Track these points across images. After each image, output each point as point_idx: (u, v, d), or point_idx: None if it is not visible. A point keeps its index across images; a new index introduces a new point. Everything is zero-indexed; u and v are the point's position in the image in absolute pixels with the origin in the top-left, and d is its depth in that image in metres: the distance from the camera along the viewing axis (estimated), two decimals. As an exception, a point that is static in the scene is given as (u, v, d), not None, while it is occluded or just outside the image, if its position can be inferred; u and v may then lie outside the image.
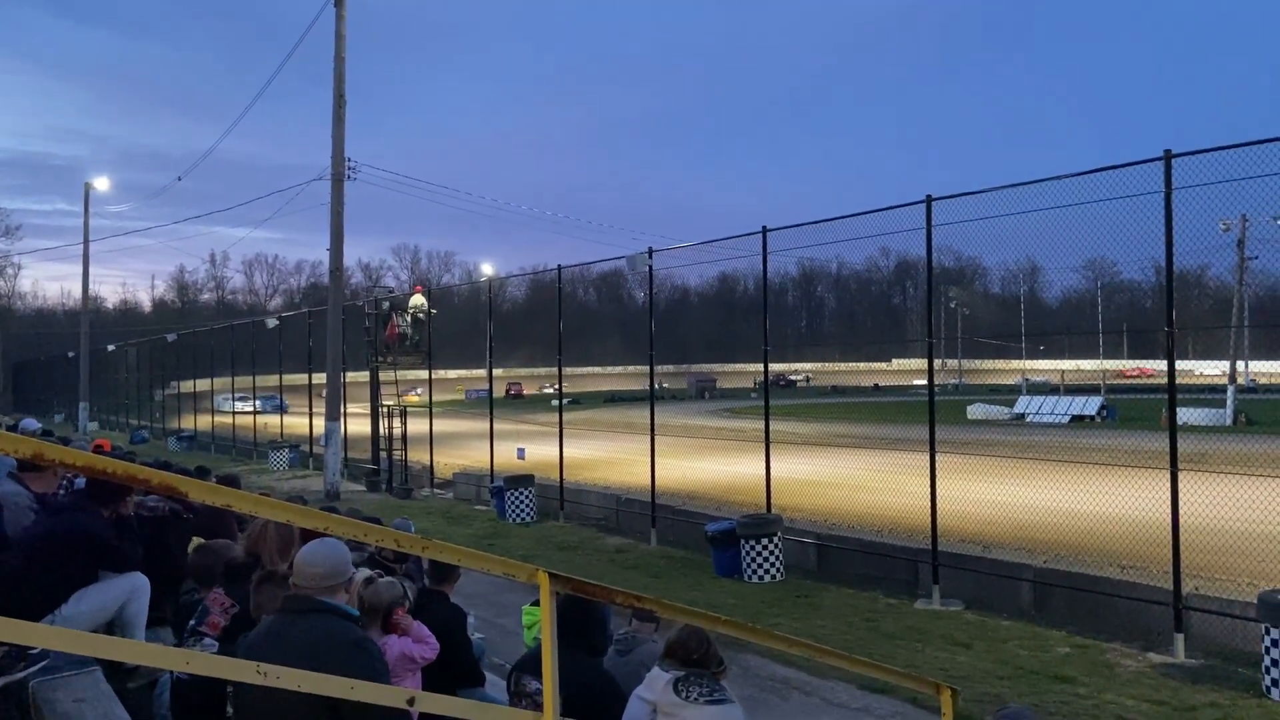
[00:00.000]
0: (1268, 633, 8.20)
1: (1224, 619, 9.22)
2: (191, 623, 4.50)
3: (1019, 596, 11.06)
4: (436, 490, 23.33)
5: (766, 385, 17.26)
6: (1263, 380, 57.66)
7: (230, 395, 39.88)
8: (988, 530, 13.68)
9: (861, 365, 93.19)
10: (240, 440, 35.73)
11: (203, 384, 42.20)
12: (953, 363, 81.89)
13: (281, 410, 34.92)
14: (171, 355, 46.08)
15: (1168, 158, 9.65)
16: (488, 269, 47.98)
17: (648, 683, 3.64)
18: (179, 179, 40.21)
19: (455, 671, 5.06)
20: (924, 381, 14.54)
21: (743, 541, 12.98)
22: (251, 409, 36.25)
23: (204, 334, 46.18)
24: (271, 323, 35.97)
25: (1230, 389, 40.26)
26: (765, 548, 12.89)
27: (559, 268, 21.21)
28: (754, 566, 12.83)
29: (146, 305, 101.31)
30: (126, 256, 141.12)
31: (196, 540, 5.71)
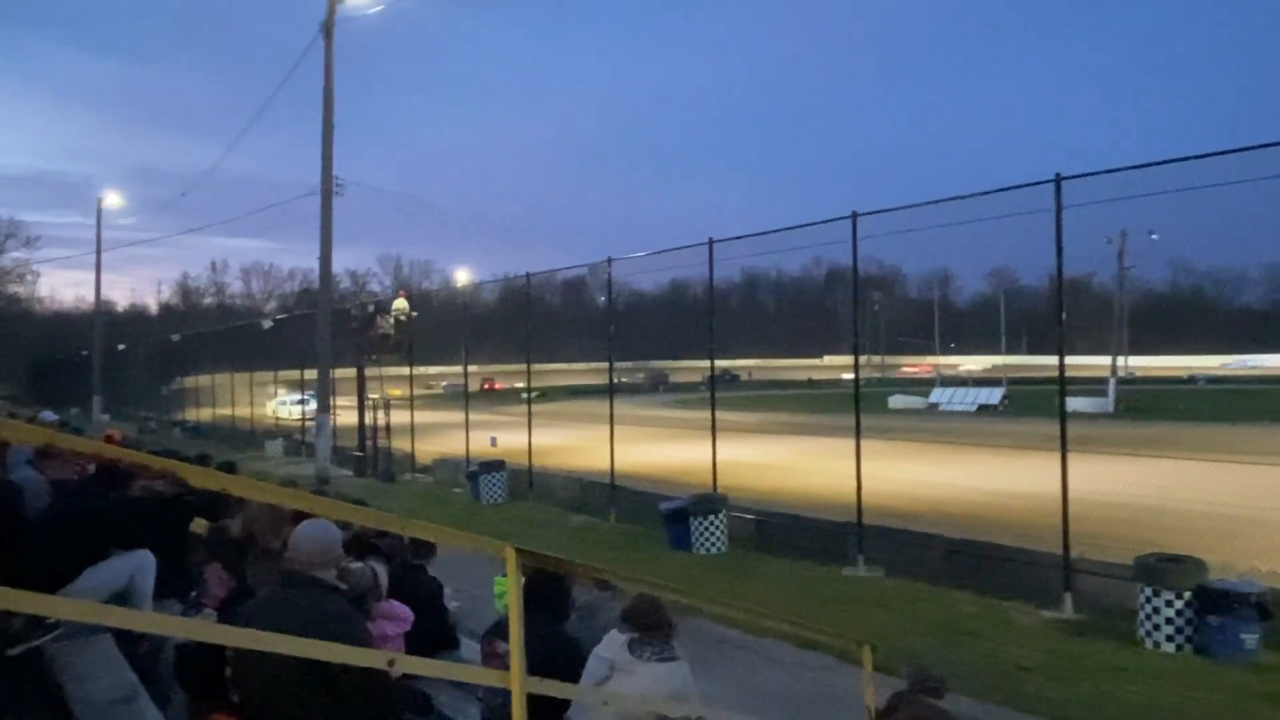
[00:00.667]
0: (1142, 591, 8.41)
1: (1106, 579, 9.35)
2: (193, 594, 4.45)
3: (931, 562, 11.12)
4: (418, 475, 23.14)
5: (713, 379, 17.32)
6: (1140, 373, 58.94)
7: (286, 396, 36.35)
8: (906, 505, 13.84)
9: (797, 361, 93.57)
10: (240, 430, 35.20)
11: (204, 379, 41.47)
12: (876, 358, 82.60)
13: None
14: (176, 353, 45.45)
15: (1058, 180, 9.80)
16: (463, 276, 47.70)
17: (606, 643, 3.65)
18: (183, 194, 39.63)
19: (433, 636, 5.04)
20: (851, 375, 14.67)
21: (692, 518, 13.01)
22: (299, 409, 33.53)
23: (206, 334, 45.46)
24: (267, 324, 35.49)
25: (1112, 381, 41.11)
26: (712, 523, 12.93)
27: (527, 275, 21.17)
28: (702, 540, 12.86)
29: (153, 308, 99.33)
30: (135, 264, 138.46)
31: (198, 520, 5.63)
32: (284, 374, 34.00)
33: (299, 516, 3.62)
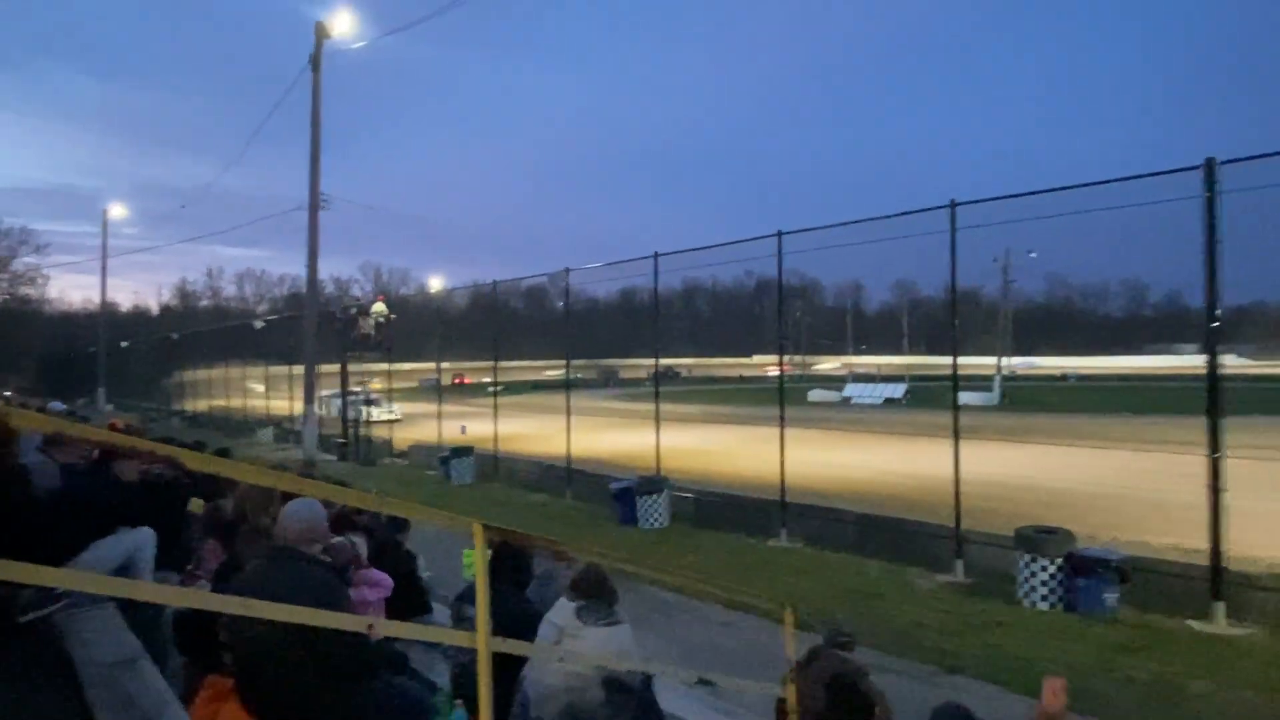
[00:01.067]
0: (1021, 558, 8.62)
1: (991, 548, 9.56)
2: (189, 567, 4.33)
3: (845, 535, 11.29)
4: (395, 459, 22.82)
5: (657, 376, 17.37)
6: (1020, 371, 60.37)
7: (342, 394, 29.09)
8: (823, 485, 14.01)
9: (730, 359, 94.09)
10: (233, 419, 34.32)
11: (201, 374, 40.38)
12: (798, 358, 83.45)
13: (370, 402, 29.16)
14: (175, 350, 44.32)
15: (953, 205, 9.99)
16: (437, 282, 47.12)
17: (556, 609, 3.63)
18: (183, 207, 38.64)
19: (408, 603, 4.97)
20: (776, 372, 14.81)
21: (638, 497, 13.01)
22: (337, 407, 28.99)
23: (203, 333, 44.30)
24: (258, 324, 34.69)
25: (997, 378, 42.05)
26: (656, 502, 12.96)
27: (494, 282, 20.98)
28: (647, 516, 12.88)
29: (154, 309, 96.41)
30: (139, 269, 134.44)
31: (195, 500, 5.49)
32: (274, 369, 33.18)
33: (287, 496, 3.55)
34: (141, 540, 5.02)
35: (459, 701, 3.53)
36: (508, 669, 3.40)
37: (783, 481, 11.91)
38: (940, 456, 10.04)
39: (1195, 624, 7.66)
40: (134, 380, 49.92)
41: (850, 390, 48.30)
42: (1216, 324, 8.14)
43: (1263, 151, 7.72)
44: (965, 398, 12.33)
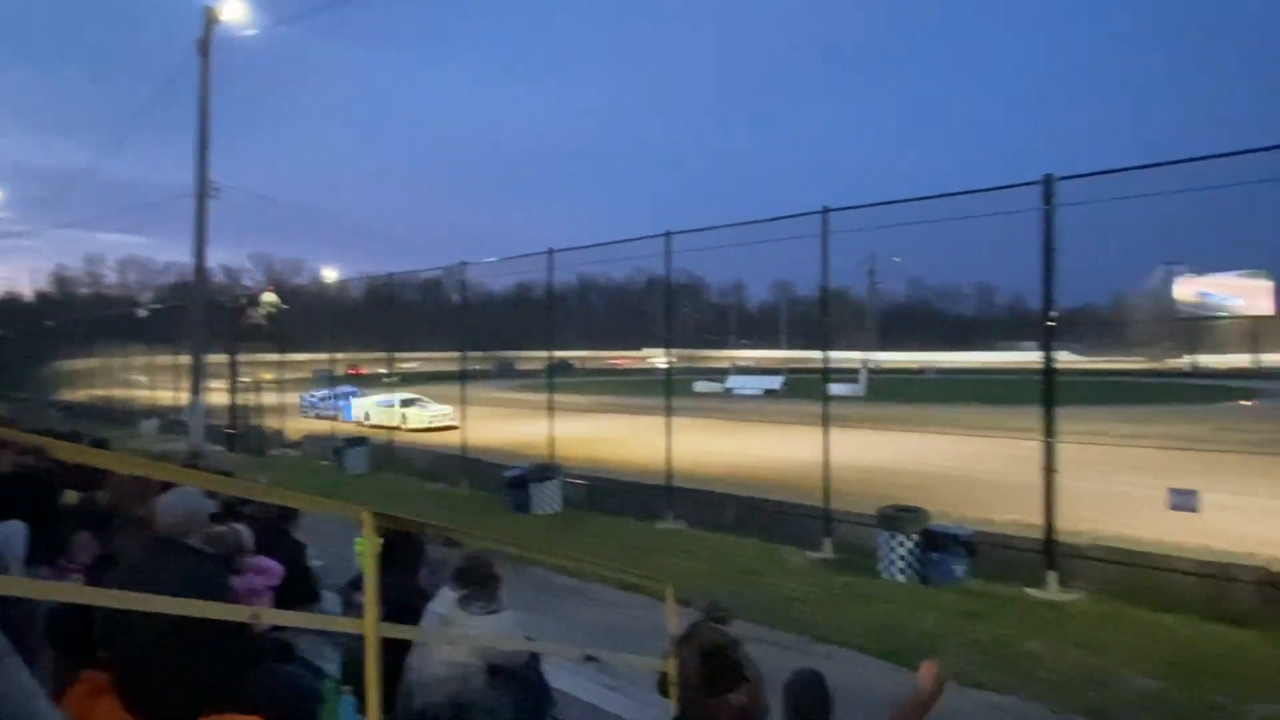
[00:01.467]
0: (882, 535, 9.02)
1: (856, 526, 9.93)
2: (61, 560, 4.00)
3: (726, 516, 11.52)
4: (287, 450, 21.82)
5: (551, 368, 17.28)
6: (885, 365, 63.14)
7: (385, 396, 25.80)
8: (706, 470, 14.22)
9: (621, 352, 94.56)
10: (116, 410, 32.01)
11: (81, 363, 37.51)
12: (684, 351, 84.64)
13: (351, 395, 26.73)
14: (52, 339, 40.94)
15: (825, 211, 10.33)
16: (331, 273, 45.25)
17: (438, 599, 3.51)
18: (58, 192, 35.64)
19: (296, 591, 4.76)
20: (664, 365, 14.98)
21: (531, 484, 12.91)
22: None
23: (82, 321, 41.10)
24: (142, 313, 32.49)
25: (864, 371, 43.88)
26: (548, 488, 12.89)
27: (390, 274, 20.37)
28: (540, 502, 12.80)
29: (29, 297, 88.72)
30: (11, 255, 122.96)
31: (69, 492, 5.09)
32: (160, 359, 31.12)
33: (167, 487, 3.34)
34: (9, 533, 4.62)
35: (347, 688, 3.40)
36: (398, 656, 3.30)
37: (669, 467, 12.06)
38: (814, 443, 10.37)
39: (1031, 591, 8.22)
40: (6, 370, 45.89)
41: (732, 382, 49.35)
42: (1052, 324, 8.74)
43: (1094, 170, 8.35)
44: (836, 389, 12.78)
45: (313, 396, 27.51)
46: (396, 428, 22.59)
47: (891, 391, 40.19)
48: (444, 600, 3.47)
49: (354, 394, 26.97)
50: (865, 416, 17.34)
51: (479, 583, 3.44)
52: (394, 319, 20.02)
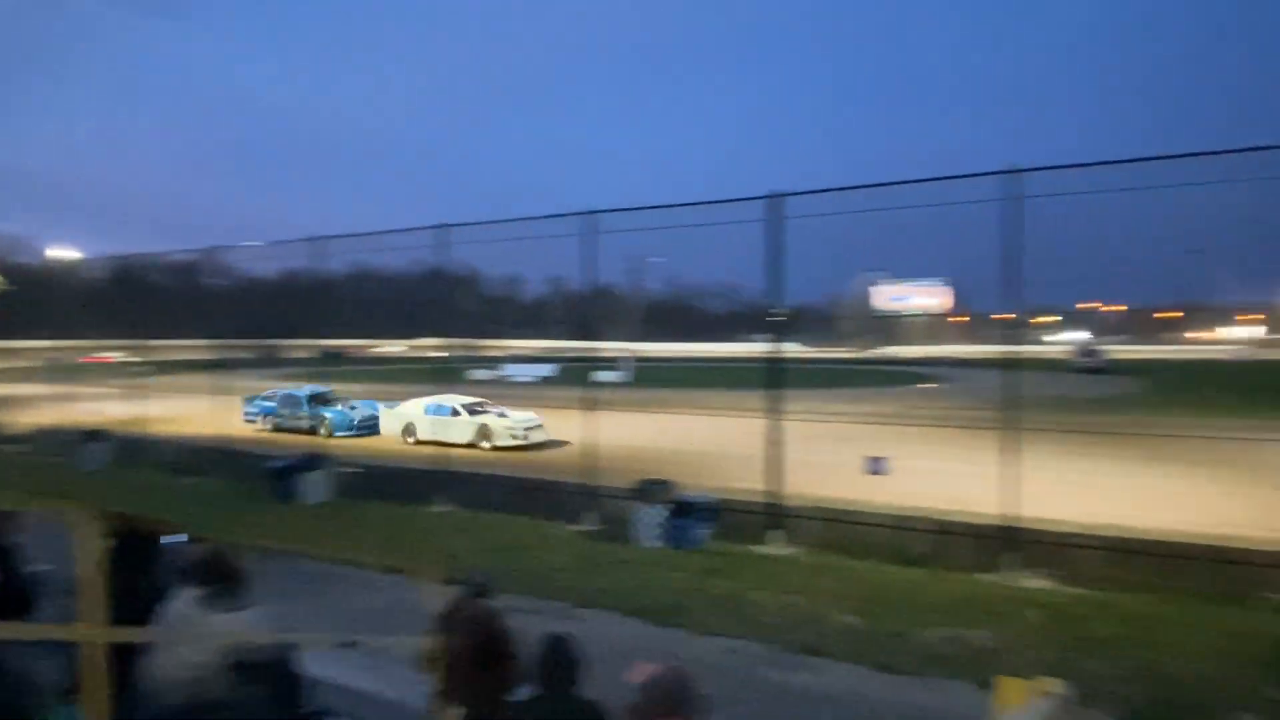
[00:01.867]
0: (637, 506, 9.46)
1: (616, 500, 10.26)
2: None
3: (498, 497, 11.46)
4: (11, 446, 18.51)
5: (324, 356, 16.15)
6: (650, 354, 65.91)
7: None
8: (481, 452, 14.05)
9: (398, 342, 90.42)
10: None
11: None
12: (462, 341, 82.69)
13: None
14: None
15: (592, 213, 10.56)
16: (67, 253, 38.87)
17: (179, 598, 3.17)
18: None
19: (7, 601, 4.08)
20: (444, 354, 14.56)
21: (298, 474, 12.04)
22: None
23: None
24: None
25: (629, 359, 45.52)
26: (316, 477, 12.09)
27: (136, 255, 17.95)
28: (307, 492, 11.95)
29: None
30: None
31: None
32: None
33: None
34: None
35: (75, 697, 2.99)
36: (133, 661, 2.94)
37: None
38: (583, 424, 10.59)
39: (760, 549, 9.01)
40: None
41: (509, 369, 48.98)
42: (780, 319, 9.60)
43: (818, 187, 9.24)
44: (605, 376, 13.16)
45: (266, 402, 20.03)
46: (473, 446, 15.92)
47: (654, 378, 42.08)
48: (183, 599, 3.14)
49: (329, 396, 19.45)
50: (630, 400, 18.01)
51: (219, 579, 3.14)
52: (141, 304, 17.55)
